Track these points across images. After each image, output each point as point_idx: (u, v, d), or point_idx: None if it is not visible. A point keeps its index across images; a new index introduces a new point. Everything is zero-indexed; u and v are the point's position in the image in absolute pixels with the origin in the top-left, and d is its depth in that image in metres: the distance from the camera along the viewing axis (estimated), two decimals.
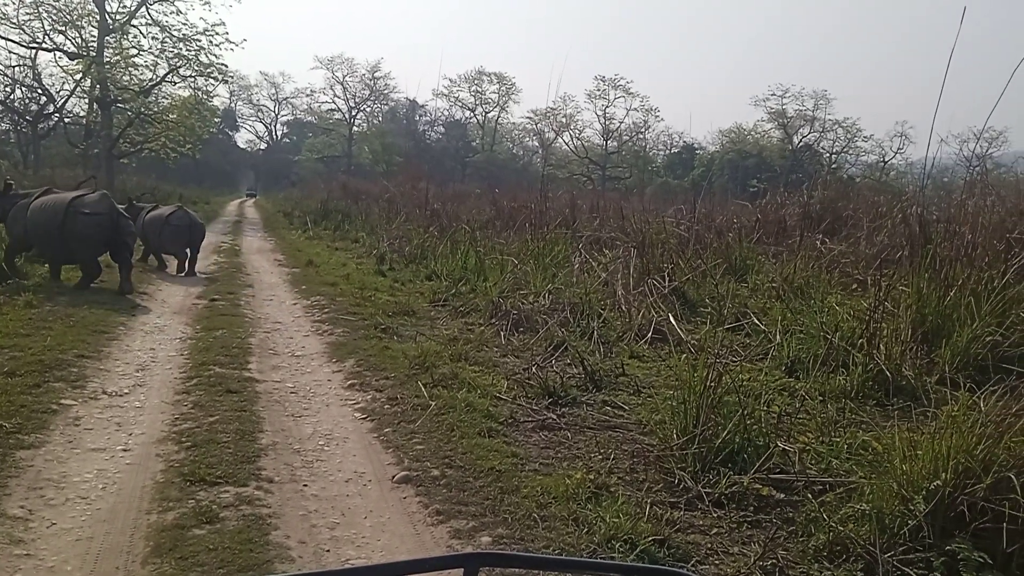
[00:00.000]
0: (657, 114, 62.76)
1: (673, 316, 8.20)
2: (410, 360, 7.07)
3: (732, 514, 4.18)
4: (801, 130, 58.57)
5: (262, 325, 8.98)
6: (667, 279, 9.36)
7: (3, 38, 30.17)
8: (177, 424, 5.35)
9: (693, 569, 3.59)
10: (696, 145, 64.14)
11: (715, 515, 4.17)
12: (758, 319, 8.03)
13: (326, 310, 9.90)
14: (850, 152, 57.79)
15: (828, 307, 7.71)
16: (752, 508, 4.22)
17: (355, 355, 7.49)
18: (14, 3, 28.63)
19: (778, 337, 7.18)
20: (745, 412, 4.76)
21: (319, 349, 7.91)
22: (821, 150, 58.31)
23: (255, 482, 4.44)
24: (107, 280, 11.22)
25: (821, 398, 5.92)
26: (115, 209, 10.63)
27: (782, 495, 4.32)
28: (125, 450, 4.85)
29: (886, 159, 55.07)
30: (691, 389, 4.97)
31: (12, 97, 35.60)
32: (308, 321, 9.37)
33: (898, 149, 55.29)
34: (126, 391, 6.08)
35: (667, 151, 66.06)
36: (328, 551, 3.75)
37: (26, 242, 10.51)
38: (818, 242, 10.98)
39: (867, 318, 6.59)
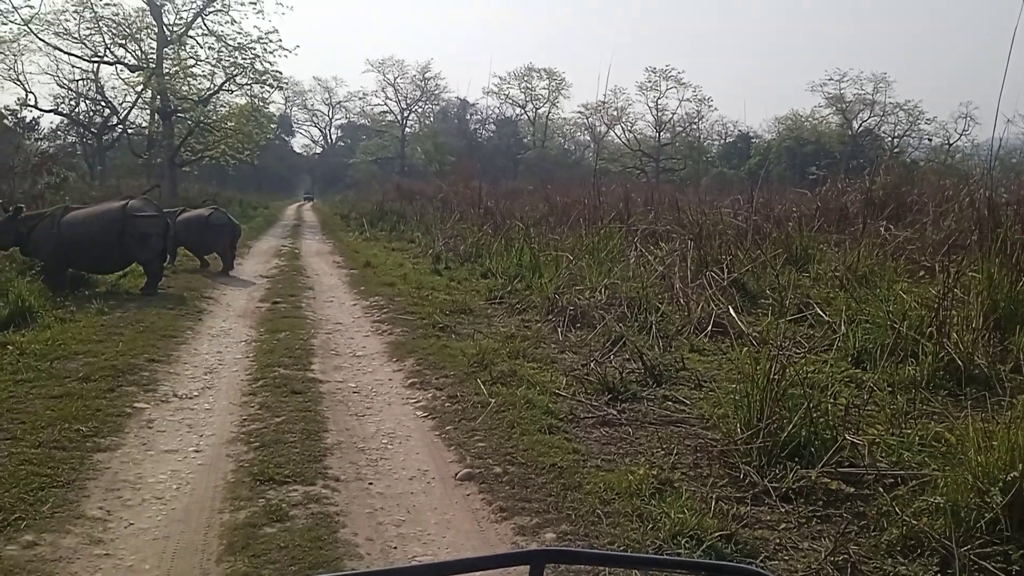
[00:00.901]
0: (710, 103, 61.85)
1: (733, 308, 8.08)
2: (468, 358, 7.12)
3: (800, 509, 4.10)
4: (861, 114, 57.14)
5: (323, 326, 9.14)
6: (726, 271, 9.22)
7: (67, 53, 31.28)
8: (245, 425, 5.48)
9: (762, 565, 3.53)
10: (751, 133, 63.12)
11: (783, 510, 4.10)
12: (821, 309, 7.87)
13: (385, 310, 10.02)
14: (913, 135, 56.15)
15: (895, 295, 7.51)
16: (821, 503, 4.14)
17: (414, 354, 7.57)
18: (75, 19, 29.66)
19: (843, 327, 7.01)
20: (811, 405, 4.67)
21: (379, 349, 8.02)
22: (882, 134, 56.78)
23: (322, 481, 4.53)
24: (173, 286, 11.56)
25: (890, 389, 5.77)
26: (164, 212, 11.25)
27: (852, 489, 4.23)
28: (197, 451, 4.99)
29: (951, 141, 53.34)
30: (754, 382, 4.89)
31: (77, 110, 36.94)
32: (368, 321, 9.51)
33: (963, 131, 53.50)
34: (196, 394, 6.26)
35: (722, 141, 65.12)
36: (395, 548, 3.80)
37: (65, 258, 10.50)
38: (882, 229, 10.72)
39: (936, 306, 6.39)
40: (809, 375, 5.38)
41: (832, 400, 5.11)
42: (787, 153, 52.96)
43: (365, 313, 10.08)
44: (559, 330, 8.27)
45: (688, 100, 60.13)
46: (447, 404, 6.03)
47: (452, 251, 15.32)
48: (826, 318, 7.61)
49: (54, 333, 7.68)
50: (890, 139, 56.12)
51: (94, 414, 5.45)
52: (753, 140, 62.02)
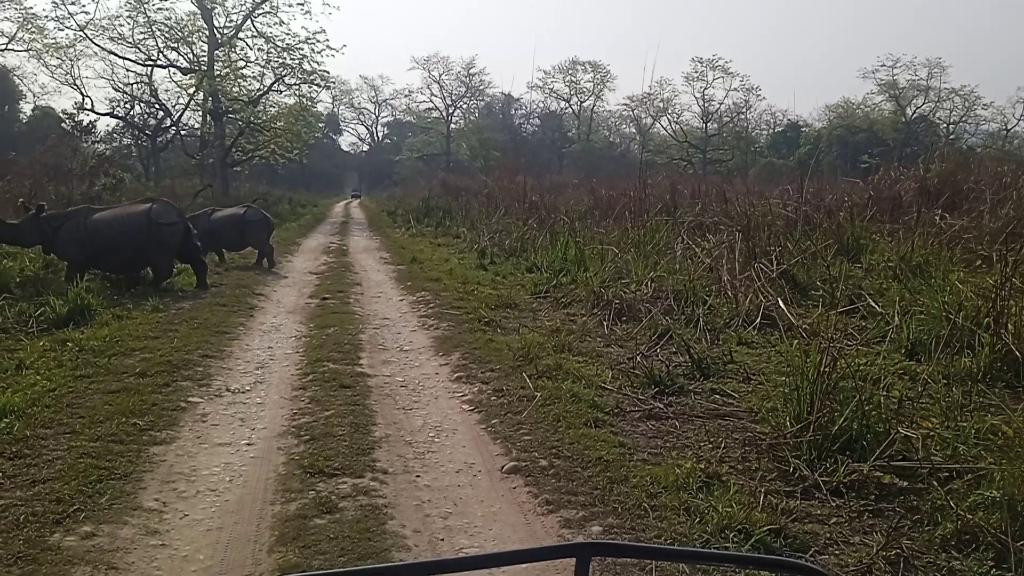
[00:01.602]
0: (758, 92, 60.67)
1: (782, 300, 7.96)
2: (514, 352, 7.14)
3: (852, 503, 4.03)
4: (914, 101, 55.61)
5: (371, 322, 9.25)
6: (775, 262, 9.09)
7: (121, 57, 32.08)
8: (296, 419, 5.58)
9: (812, 560, 3.48)
10: (801, 122, 61.87)
11: (833, 504, 4.04)
12: (874, 301, 7.70)
13: (431, 305, 10.10)
14: (969, 121, 54.52)
15: (950, 285, 7.32)
16: (873, 497, 4.06)
17: (460, 348, 7.62)
18: (129, 23, 30.40)
19: (896, 319, 6.86)
20: (863, 398, 4.59)
21: (426, 343, 8.08)
22: (937, 121, 55.22)
23: (370, 473, 4.59)
24: (225, 283, 11.80)
25: (945, 381, 5.63)
26: (184, 217, 11.47)
27: (905, 483, 4.14)
28: (249, 444, 5.09)
29: (1009, 127, 51.67)
30: (804, 375, 4.82)
31: (132, 113, 37.88)
32: (414, 316, 9.59)
33: (1021, 116, 51.72)
34: (248, 388, 6.38)
35: (770, 130, 64.01)
36: (442, 540, 3.84)
37: (88, 259, 10.61)
38: (937, 218, 10.46)
39: (993, 296, 6.22)
40: (861, 367, 5.29)
41: (885, 393, 5.01)
42: (838, 142, 51.85)
43: (412, 308, 10.16)
44: (605, 324, 8.24)
45: (735, 90, 59.29)
46: (493, 398, 6.05)
47: (497, 246, 15.36)
48: (879, 309, 7.45)
49: (111, 330, 7.90)
50: (945, 125, 54.59)
51: (150, 408, 5.60)
52: (803, 129, 60.82)
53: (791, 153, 52.91)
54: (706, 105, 59.74)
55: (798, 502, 4.06)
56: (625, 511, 4.02)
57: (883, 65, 55.26)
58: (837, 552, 3.63)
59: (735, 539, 3.63)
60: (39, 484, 4.25)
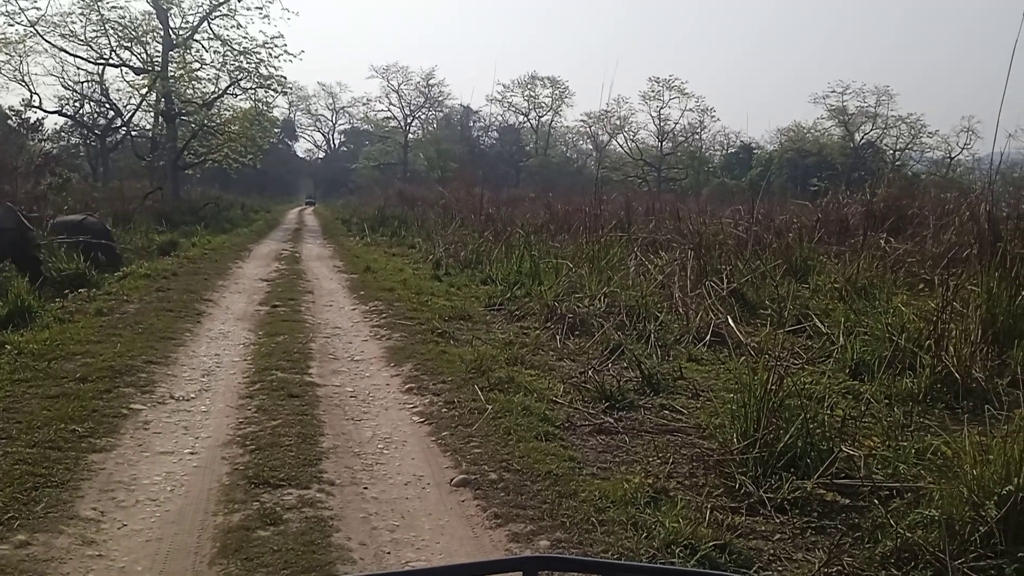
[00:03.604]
0: (713, 114, 61.79)
1: (732, 318, 8.09)
2: (467, 364, 7.12)
3: (795, 520, 4.10)
4: (863, 127, 57.10)
5: (322, 330, 9.14)
6: (725, 281, 9.22)
7: (72, 55, 31.29)
8: (242, 428, 5.48)
9: (755, 575, 3.53)
10: (754, 144, 63.09)
11: (777, 520, 4.09)
12: (820, 321, 7.87)
13: (384, 315, 10.02)
14: (915, 148, 56.06)
15: (893, 308, 7.52)
16: (816, 514, 4.13)
17: (413, 359, 7.57)
18: (82, 21, 29.69)
19: (841, 339, 7.01)
20: (808, 416, 4.67)
21: (377, 354, 8.01)
22: (884, 147, 56.74)
23: (317, 485, 4.52)
24: (173, 287, 11.56)
25: (887, 401, 5.77)
26: (24, 223, 10.71)
27: (847, 501, 4.22)
28: (192, 453, 4.98)
29: (952, 155, 53.27)
30: (751, 392, 4.89)
31: (82, 112, 36.94)
32: (367, 326, 9.50)
33: (965, 144, 53.38)
34: (193, 396, 6.25)
35: (724, 151, 65.13)
36: (389, 553, 3.80)
37: None
38: (882, 241, 10.73)
39: (935, 319, 6.40)
40: (806, 386, 5.39)
41: (829, 411, 5.11)
42: (789, 164, 52.94)
43: (364, 318, 10.07)
44: (558, 337, 8.27)
45: (691, 110, 60.23)
46: (444, 410, 6.02)
47: (452, 257, 15.32)
48: (824, 329, 7.61)
49: (52, 333, 7.68)
50: (892, 152, 56.09)
51: (90, 415, 5.45)
52: (755, 151, 62.05)
53: (743, 174, 53.89)
54: (662, 124, 60.61)
55: (743, 518, 4.10)
56: (573, 525, 4.03)
57: (833, 91, 56.65)
58: (780, 568, 3.68)
59: (681, 554, 3.66)
60: None
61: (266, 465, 4.73)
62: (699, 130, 61.65)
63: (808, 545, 3.88)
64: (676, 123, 60.76)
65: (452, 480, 4.66)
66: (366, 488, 4.55)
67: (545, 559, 1.27)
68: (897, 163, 52.02)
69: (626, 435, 5.44)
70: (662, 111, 60.15)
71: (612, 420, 5.68)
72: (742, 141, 63.41)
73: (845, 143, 56.58)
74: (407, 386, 6.74)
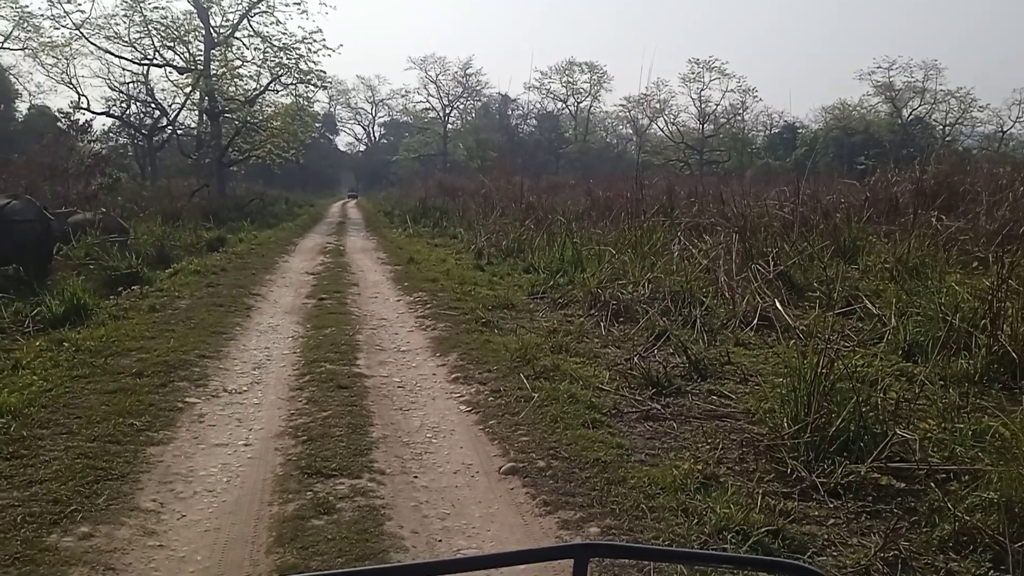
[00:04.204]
0: (755, 94, 60.73)
1: (779, 301, 7.98)
2: (511, 353, 7.14)
3: (849, 504, 4.04)
4: (911, 103, 55.71)
5: (368, 322, 9.24)
6: (772, 263, 9.10)
7: (117, 56, 31.95)
8: (293, 419, 5.57)
9: (810, 561, 3.49)
10: (798, 124, 61.93)
11: (831, 505, 4.05)
12: (871, 302, 7.72)
13: (428, 306, 10.09)
14: (965, 123, 54.55)
15: (947, 287, 7.35)
16: (871, 498, 4.07)
17: (458, 349, 7.62)
18: (125, 23, 30.29)
19: (893, 320, 6.88)
20: (860, 399, 4.60)
21: (423, 344, 8.08)
22: (933, 123, 55.34)
23: (368, 474, 4.58)
24: (222, 283, 11.78)
25: (942, 383, 5.65)
26: (44, 214, 10.75)
27: (902, 484, 4.15)
28: (246, 445, 5.08)
29: (1004, 129, 51.74)
30: (801, 376, 4.83)
31: (128, 112, 37.75)
32: (411, 317, 9.58)
33: (1017, 117, 51.83)
34: (245, 388, 6.37)
35: (767, 132, 64.08)
36: (440, 541, 3.84)
37: None
38: (933, 219, 10.48)
39: (990, 297, 6.24)
40: (858, 369, 5.29)
41: (882, 394, 5.02)
42: (834, 143, 51.94)
43: (409, 309, 10.16)
44: (602, 325, 8.24)
45: (732, 91, 59.37)
46: (490, 399, 6.05)
47: (494, 247, 15.35)
48: (875, 311, 7.47)
49: (108, 330, 7.89)
50: (941, 127, 54.67)
51: (147, 409, 5.59)
52: (799, 130, 60.91)
53: (788, 154, 53.00)
54: (703, 106, 59.86)
55: (796, 503, 4.06)
56: (623, 512, 4.03)
57: (879, 67, 55.37)
58: (835, 553, 3.63)
59: (733, 540, 3.64)
60: (36, 485, 4.23)
61: (318, 455, 4.81)
62: (741, 111, 60.83)
63: (863, 530, 3.83)
64: (717, 104, 60.02)
65: (500, 468, 4.69)
66: (416, 477, 4.60)
67: (596, 546, 1.28)
68: (947, 139, 50.72)
69: (674, 421, 5.41)
70: (703, 93, 59.44)
71: (659, 406, 5.66)
72: (786, 121, 62.36)
73: (892, 120, 55.28)
74: (453, 375, 6.79)
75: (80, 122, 32.22)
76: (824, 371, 4.73)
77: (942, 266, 8.45)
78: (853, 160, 38.96)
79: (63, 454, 4.68)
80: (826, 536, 3.77)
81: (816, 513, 3.99)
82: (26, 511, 3.90)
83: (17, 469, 4.43)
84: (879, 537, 3.66)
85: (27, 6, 31.83)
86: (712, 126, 60.22)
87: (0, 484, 4.23)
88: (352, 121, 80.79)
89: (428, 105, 69.57)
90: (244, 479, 4.53)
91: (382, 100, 77.63)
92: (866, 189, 14.15)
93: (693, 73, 58.88)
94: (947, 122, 55.23)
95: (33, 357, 6.70)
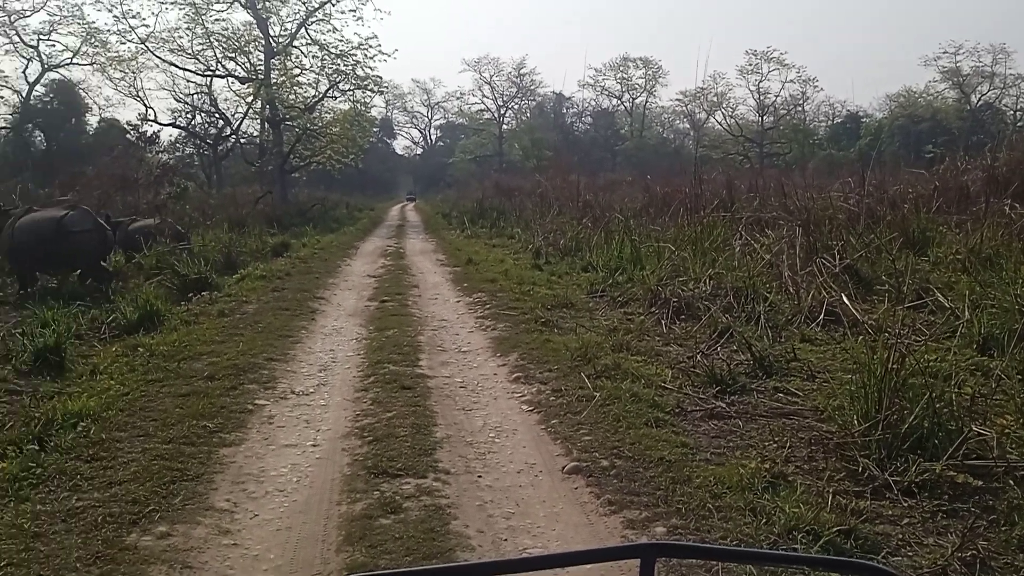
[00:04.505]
0: (815, 84, 59.42)
1: (846, 296, 7.79)
2: (572, 352, 7.13)
3: (924, 503, 3.94)
4: (979, 88, 53.71)
5: (429, 323, 9.33)
6: (837, 257, 8.89)
7: (182, 68, 32.98)
8: (359, 420, 5.67)
9: (884, 561, 3.41)
10: (861, 113, 60.30)
11: (905, 504, 3.94)
12: (942, 295, 7.49)
13: (487, 306, 10.15)
14: None
15: (1022, 278, 7.06)
16: (946, 497, 3.96)
17: (518, 349, 7.64)
18: (188, 35, 31.24)
19: (967, 313, 6.66)
20: (933, 395, 4.47)
21: (484, 344, 8.13)
22: (1004, 108, 53.31)
23: (433, 474, 4.64)
24: (287, 287, 12.04)
25: (1020, 377, 5.44)
26: (101, 224, 10.99)
27: (979, 482, 4.03)
28: (314, 445, 5.19)
29: None
30: (871, 372, 4.71)
31: (194, 123, 38.91)
32: (471, 317, 9.65)
33: None
34: (311, 390, 6.51)
35: (829, 122, 62.56)
36: (505, 540, 3.86)
37: (17, 259, 10.56)
38: (1007, 208, 10.09)
39: None
40: (930, 364, 5.14)
41: (956, 390, 4.87)
42: (900, 132, 50.44)
43: (469, 309, 10.23)
44: (663, 322, 8.17)
45: (792, 81, 58.09)
46: (552, 398, 6.06)
47: (552, 246, 15.35)
48: (947, 304, 7.24)
49: (180, 335, 8.14)
50: (1012, 112, 52.63)
51: (219, 411, 5.75)
52: (863, 120, 59.30)
53: (851, 145, 51.64)
54: (761, 98, 58.75)
55: (868, 503, 3.97)
56: (689, 512, 3.99)
57: (945, 52, 53.52)
58: (910, 553, 3.54)
59: (803, 540, 3.57)
60: (116, 486, 4.40)
61: (384, 455, 4.88)
62: (801, 101, 59.49)
63: (939, 529, 3.72)
64: (777, 96, 58.82)
65: (564, 467, 4.69)
66: (480, 476, 4.63)
67: (663, 546, 1.28)
68: (1019, 124, 48.75)
69: (739, 419, 5.34)
70: (761, 84, 58.33)
71: (724, 404, 5.59)
72: (848, 110, 60.75)
73: (961, 106, 53.38)
74: (514, 375, 6.81)
75: (148, 134, 33.39)
76: (895, 366, 4.60)
77: (1017, 256, 8.14)
78: (920, 149, 37.83)
79: (140, 456, 4.84)
80: (900, 536, 3.67)
81: (890, 512, 3.89)
82: (106, 511, 4.05)
83: (97, 471, 4.60)
84: (956, 536, 3.56)
85: (94, 22, 33.14)
86: (772, 118, 59.06)
87: (82, 485, 4.39)
88: (409, 125, 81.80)
89: (483, 106, 69.95)
90: (313, 479, 4.63)
91: (437, 103, 78.36)
92: (935, 178, 13.71)
93: (751, 64, 57.86)
94: (1018, 107, 53.15)
95: (110, 362, 6.95)
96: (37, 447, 4.79)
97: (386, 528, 3.94)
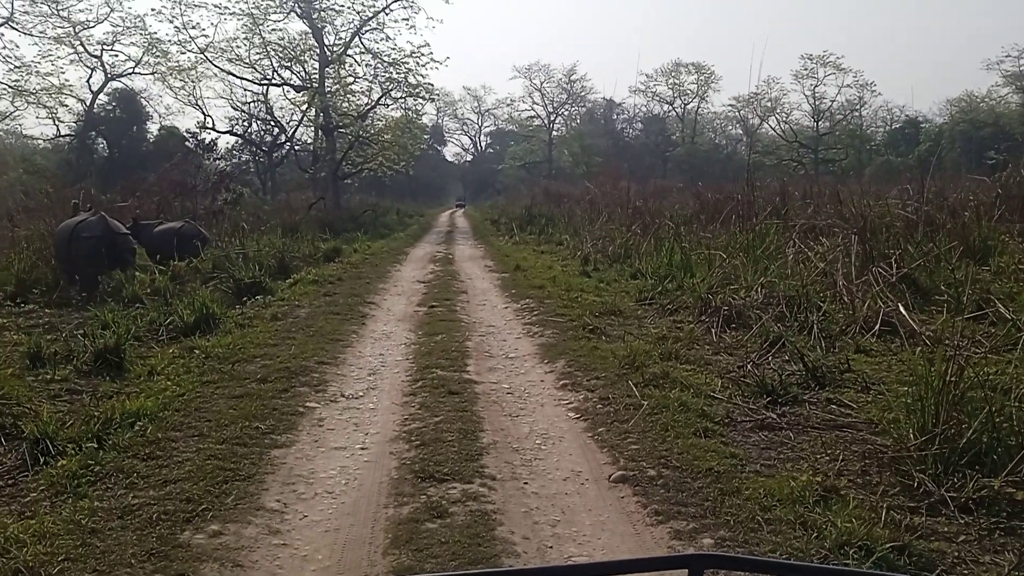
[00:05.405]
0: (873, 88, 58.17)
1: (903, 306, 7.61)
2: (620, 360, 7.09)
3: (981, 520, 3.82)
4: None
5: (477, 329, 9.38)
6: (894, 266, 8.69)
7: (239, 77, 33.77)
8: (407, 424, 5.72)
9: None
10: (921, 118, 58.78)
11: (962, 521, 3.83)
12: (1004, 305, 7.26)
13: (535, 312, 10.15)
14: None
15: None
16: (1005, 514, 3.84)
17: (565, 356, 7.63)
18: (246, 45, 31.97)
19: None
20: (993, 408, 4.34)
21: (531, 351, 8.13)
22: None
23: (479, 479, 4.65)
24: (338, 292, 12.21)
25: None
26: (111, 229, 11.27)
27: None
28: (363, 448, 5.26)
29: None
30: (928, 384, 4.59)
31: (250, 130, 39.77)
32: (519, 324, 9.66)
33: None
34: (361, 394, 6.59)
35: (887, 127, 61.16)
36: (551, 548, 3.85)
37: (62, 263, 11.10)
38: None
39: None
40: (990, 377, 4.99)
41: (1017, 404, 4.70)
42: (961, 138, 49.04)
43: (516, 316, 10.25)
44: (713, 331, 8.08)
45: (848, 86, 57.02)
46: (599, 406, 6.03)
47: (600, 252, 15.29)
48: (1009, 315, 7.01)
49: (234, 338, 8.32)
50: None
51: (271, 413, 5.86)
52: (922, 125, 57.81)
53: (910, 151, 50.38)
54: (817, 103, 57.75)
55: (923, 518, 3.87)
56: (738, 524, 3.93)
57: (1008, 56, 51.78)
58: (965, 572, 3.44)
59: (856, 556, 3.50)
60: (170, 484, 4.51)
61: (431, 460, 4.92)
62: (858, 107, 58.37)
63: (996, 547, 3.61)
64: (833, 101, 57.80)
65: (611, 476, 4.67)
66: (526, 483, 4.64)
67: (712, 557, 1.26)
68: None
69: (790, 431, 5.25)
70: (816, 89, 57.37)
71: (775, 415, 5.50)
72: (907, 115, 59.30)
73: None
74: (561, 382, 6.80)
75: (206, 141, 34.24)
76: (953, 379, 4.48)
77: None
78: (982, 155, 36.75)
79: (195, 455, 4.96)
80: (956, 553, 3.57)
81: (945, 529, 3.79)
82: (161, 509, 4.16)
83: (153, 469, 4.73)
84: (1013, 555, 3.46)
85: (156, 33, 34.14)
86: (827, 123, 58.01)
87: (138, 483, 4.51)
88: (459, 131, 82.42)
89: (533, 113, 70.10)
90: (361, 482, 4.69)
91: (488, 110, 78.85)
92: (997, 185, 13.31)
93: (806, 69, 56.97)
94: None
95: (167, 364, 7.13)
96: (96, 445, 4.92)
97: (432, 532, 3.96)
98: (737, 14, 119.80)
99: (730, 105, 63.71)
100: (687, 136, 65.95)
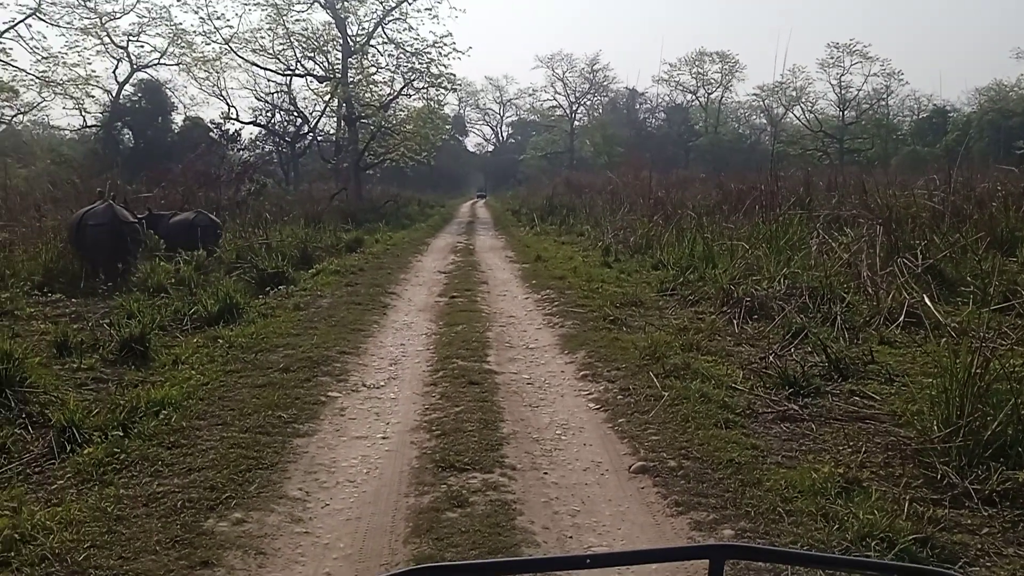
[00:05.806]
0: (900, 77, 57.32)
1: (929, 297, 7.53)
2: (640, 351, 7.08)
3: (1005, 513, 3.79)
4: None
5: (497, 319, 9.39)
6: (920, 257, 8.59)
7: (263, 68, 33.97)
8: (427, 414, 5.75)
9: (961, 571, 3.29)
10: (948, 107, 57.88)
11: (985, 514, 3.80)
12: None
13: (556, 303, 10.15)
14: None
15: None
16: None
17: (586, 346, 7.63)
18: (269, 36, 32.12)
19: None
20: (1019, 401, 4.28)
21: (551, 341, 8.13)
22: None
23: (499, 469, 4.67)
24: (360, 282, 12.27)
25: None
26: (117, 218, 11.25)
27: None
28: (384, 438, 5.29)
29: None
30: (953, 376, 4.55)
31: (273, 121, 40.01)
32: (540, 314, 9.66)
33: None
34: (382, 384, 6.63)
35: (914, 117, 60.30)
36: (571, 538, 3.87)
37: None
38: None
39: None
40: (1016, 369, 4.93)
41: None
42: (990, 127, 48.24)
43: (537, 306, 10.25)
44: (735, 322, 8.04)
45: (875, 75, 56.23)
46: (619, 397, 6.03)
47: (622, 243, 15.25)
48: None
49: (257, 328, 8.39)
50: None
51: (293, 402, 5.92)
52: (950, 114, 56.95)
53: (937, 140, 49.68)
54: (843, 92, 57.03)
55: (946, 511, 3.84)
56: (758, 515, 3.92)
57: None
58: (989, 564, 3.41)
59: (877, 548, 3.48)
60: (194, 472, 4.56)
61: (451, 449, 4.94)
62: (885, 96, 57.56)
63: (1020, 540, 3.58)
64: (859, 90, 57.03)
65: (631, 467, 4.67)
66: (546, 473, 4.65)
67: (733, 548, 1.26)
68: None
69: (812, 423, 5.22)
70: (843, 78, 56.64)
71: (797, 407, 5.47)
72: (935, 105, 58.39)
73: None
74: (582, 373, 6.80)
75: (230, 132, 34.47)
76: (979, 371, 4.43)
77: None
78: (1011, 145, 36.12)
79: (218, 444, 5.01)
80: (979, 546, 3.54)
81: (969, 521, 3.76)
82: (185, 497, 4.21)
83: (177, 457, 4.78)
84: None
85: (181, 24, 34.38)
86: (853, 113, 57.30)
87: (162, 471, 4.57)
88: (480, 122, 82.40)
89: (555, 103, 69.86)
90: (382, 471, 4.72)
91: (510, 100, 78.73)
92: None
93: (832, 57, 56.26)
94: None
95: (191, 353, 7.21)
96: (121, 433, 4.99)
97: (453, 521, 3.99)
98: (763, 1, 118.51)
99: (754, 94, 63.12)
100: (710, 126, 65.40)
